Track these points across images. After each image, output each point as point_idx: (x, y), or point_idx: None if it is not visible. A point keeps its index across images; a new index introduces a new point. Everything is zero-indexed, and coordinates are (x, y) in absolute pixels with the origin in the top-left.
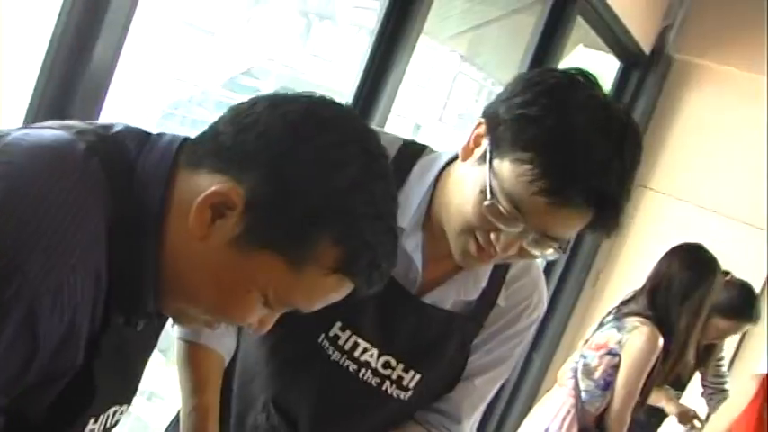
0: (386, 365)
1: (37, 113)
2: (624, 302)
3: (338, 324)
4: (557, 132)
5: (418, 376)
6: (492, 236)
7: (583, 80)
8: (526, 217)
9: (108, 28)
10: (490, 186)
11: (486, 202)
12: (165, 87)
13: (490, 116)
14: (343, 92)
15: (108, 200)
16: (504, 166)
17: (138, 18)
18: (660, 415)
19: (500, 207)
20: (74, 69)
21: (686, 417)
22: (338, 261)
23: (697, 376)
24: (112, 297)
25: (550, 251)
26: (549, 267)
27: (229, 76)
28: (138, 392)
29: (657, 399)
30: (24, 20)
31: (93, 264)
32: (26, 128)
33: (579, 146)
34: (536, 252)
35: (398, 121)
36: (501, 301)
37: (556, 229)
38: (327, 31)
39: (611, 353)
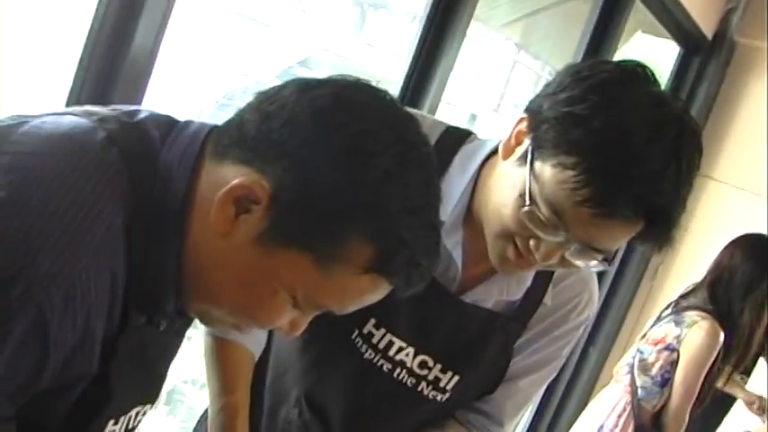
0: (422, 365)
1: (77, 102)
2: (683, 296)
3: (372, 321)
4: (605, 135)
5: (456, 378)
6: (531, 243)
7: (638, 74)
8: (568, 226)
9: (148, 13)
10: (530, 191)
11: (525, 209)
12: (220, 78)
13: (533, 112)
14: (397, 81)
15: (127, 194)
16: (546, 170)
17: (191, 10)
18: (726, 403)
19: (539, 214)
20: (114, 57)
21: (756, 404)
22: (371, 259)
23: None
24: (130, 297)
25: (594, 262)
26: None
27: (284, 66)
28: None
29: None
30: (63, 7)
31: (108, 263)
32: (47, 114)
33: (629, 151)
34: (579, 263)
35: (453, 111)
36: (548, 299)
37: (601, 241)
38: (382, 20)
39: (670, 348)
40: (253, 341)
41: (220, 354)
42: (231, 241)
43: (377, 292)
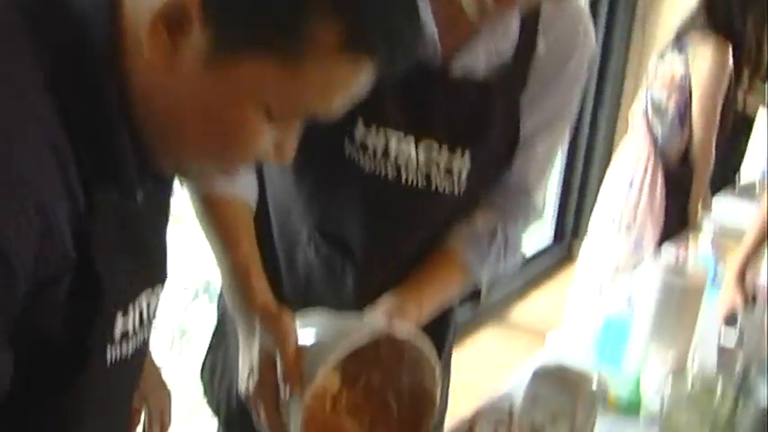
0: (428, 151)
1: None
2: (681, 29)
3: (360, 122)
4: None
5: (468, 157)
6: None
7: None
8: None
9: None
10: None
11: None
12: None
13: None
14: None
15: (37, 52)
16: None
17: None
18: (749, 124)
19: None
20: None
21: None
22: (342, 36)
23: None
24: (85, 168)
25: None
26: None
27: None
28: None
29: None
30: None
31: (41, 134)
32: None
33: None
34: None
35: None
36: (540, 48)
37: None
38: None
39: (679, 85)
40: (243, 189)
41: (213, 212)
42: (178, 74)
43: (359, 74)
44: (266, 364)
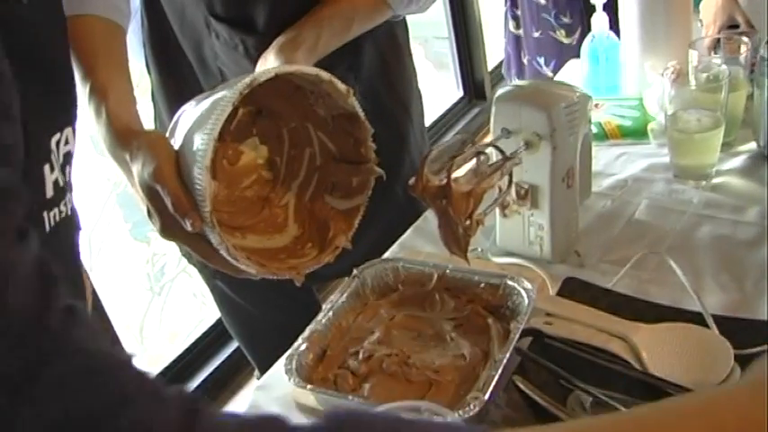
0: None
1: None
2: None
3: None
4: None
5: None
6: None
7: None
8: None
9: None
10: None
11: None
12: None
13: None
14: None
15: None
16: None
17: None
18: None
19: None
20: None
21: None
22: None
23: None
24: None
25: None
26: None
27: None
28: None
29: None
30: None
31: None
32: None
33: None
34: None
35: None
36: None
37: None
38: None
39: None
40: (112, 11)
41: (75, 34)
42: None
43: None
44: (153, 198)
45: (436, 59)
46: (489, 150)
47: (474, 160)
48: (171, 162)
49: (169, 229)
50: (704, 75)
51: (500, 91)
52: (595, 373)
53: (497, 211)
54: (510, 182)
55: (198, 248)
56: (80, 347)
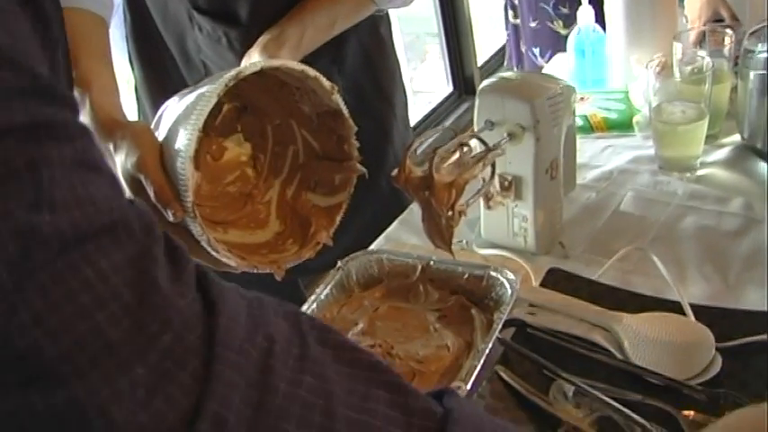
0: None
1: None
2: None
3: None
4: None
5: None
6: None
7: None
8: None
9: None
10: None
11: None
12: None
13: None
14: None
15: None
16: None
17: None
18: None
19: None
20: None
21: None
22: None
23: None
24: None
25: None
26: None
27: None
28: None
29: None
30: None
31: None
32: None
33: None
34: None
35: None
36: None
37: None
38: None
39: None
40: (91, 1)
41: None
42: None
43: None
44: (136, 189)
45: (427, 55)
46: (472, 142)
47: (457, 151)
48: (155, 153)
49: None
50: (688, 67)
51: (484, 83)
52: (577, 362)
53: (482, 202)
54: (493, 173)
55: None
56: None
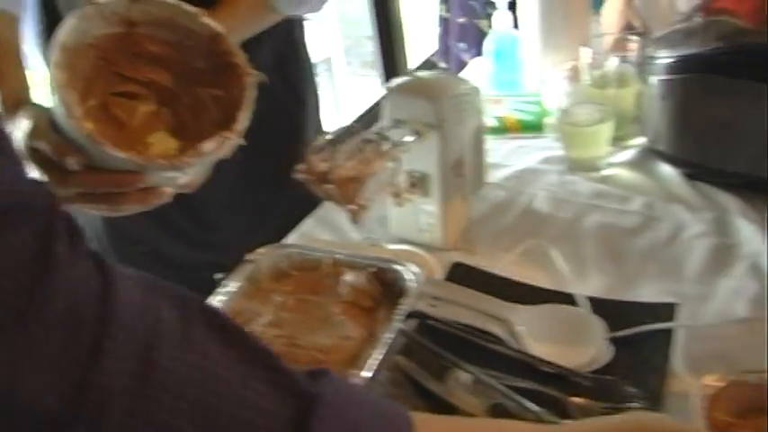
0: None
1: None
2: None
3: None
4: None
5: None
6: None
7: None
8: None
9: None
10: None
11: None
12: None
13: None
14: None
15: None
16: None
17: None
18: None
19: None
20: None
21: None
22: None
23: None
24: None
25: None
26: None
27: None
28: None
29: None
30: None
31: None
32: None
33: None
34: None
35: None
36: None
37: None
38: None
39: None
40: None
41: None
42: None
43: None
44: (37, 159)
45: (365, 59)
46: (376, 138)
47: (361, 147)
48: (45, 119)
49: (61, 183)
50: (596, 72)
51: (393, 82)
52: (476, 352)
53: (390, 199)
54: (398, 170)
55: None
56: None
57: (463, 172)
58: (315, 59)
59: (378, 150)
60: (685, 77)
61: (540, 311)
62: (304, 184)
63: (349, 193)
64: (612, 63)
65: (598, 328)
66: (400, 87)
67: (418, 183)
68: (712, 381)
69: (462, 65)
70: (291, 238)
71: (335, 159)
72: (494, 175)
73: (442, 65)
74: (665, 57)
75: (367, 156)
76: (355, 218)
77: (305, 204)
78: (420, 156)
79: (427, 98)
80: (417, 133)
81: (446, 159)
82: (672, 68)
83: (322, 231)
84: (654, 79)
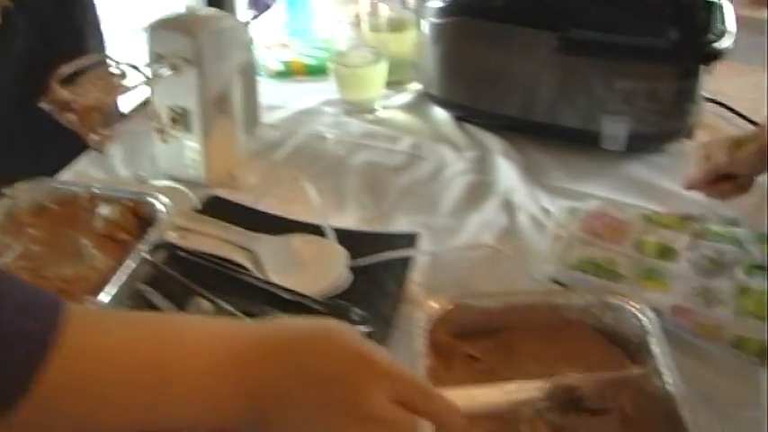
0: None
1: None
2: None
3: None
4: None
5: None
6: None
7: None
8: None
9: None
10: None
11: None
12: None
13: None
14: None
15: None
16: None
17: None
18: None
19: None
20: None
21: None
22: None
23: None
24: None
25: None
26: None
27: None
28: None
29: None
30: None
31: None
32: None
33: None
34: None
35: None
36: None
37: None
38: None
39: None
40: None
41: None
42: None
43: None
44: None
45: None
46: (123, 68)
47: (106, 77)
48: None
49: None
50: (374, 18)
51: (156, 18)
52: (221, 282)
53: (156, 135)
54: (149, 104)
55: None
56: None
57: (228, 109)
58: None
59: (118, 81)
60: (455, 21)
61: (284, 241)
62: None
63: (90, 122)
64: (385, 9)
65: (340, 257)
66: (161, 23)
67: (180, 118)
68: (438, 304)
69: (266, 9)
70: (65, 176)
71: (78, 88)
72: (270, 116)
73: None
74: (436, 0)
75: (109, 86)
76: (98, 147)
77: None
78: (180, 91)
79: (185, 33)
80: (175, 68)
81: (206, 95)
82: (442, 12)
83: (96, 170)
84: (426, 23)
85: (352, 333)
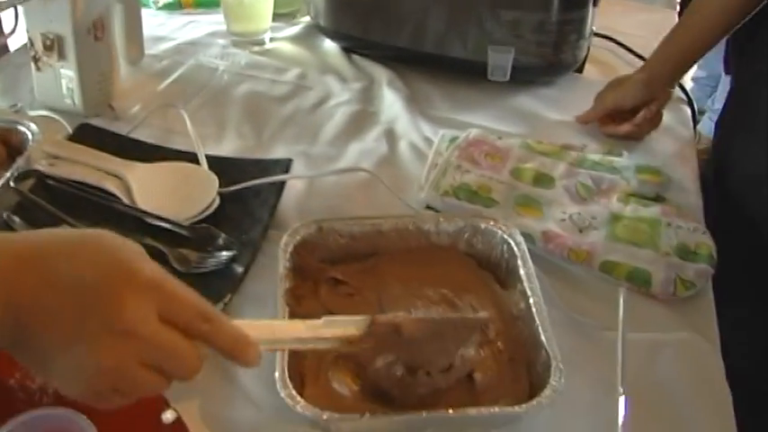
0: None
1: None
2: None
3: None
4: None
5: None
6: None
7: None
8: None
9: None
10: None
11: None
12: None
13: None
14: None
15: None
16: None
17: None
18: None
19: None
20: None
21: None
22: None
23: None
24: None
25: None
26: None
27: None
28: None
29: None
30: None
31: None
32: None
33: None
34: None
35: None
36: None
37: None
38: None
39: None
40: None
41: None
42: None
43: None
44: None
45: None
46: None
47: None
48: None
49: None
50: None
51: None
52: (90, 209)
53: (32, 64)
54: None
55: None
56: None
57: (103, 36)
58: None
59: None
60: None
61: (155, 169)
62: None
63: None
64: None
65: (210, 184)
66: None
67: (53, 45)
68: (306, 228)
69: None
70: None
71: None
72: (156, 48)
73: None
74: None
75: None
76: None
77: None
78: (53, 17)
79: None
80: None
81: (81, 21)
82: None
83: None
84: None
85: (125, 243)
